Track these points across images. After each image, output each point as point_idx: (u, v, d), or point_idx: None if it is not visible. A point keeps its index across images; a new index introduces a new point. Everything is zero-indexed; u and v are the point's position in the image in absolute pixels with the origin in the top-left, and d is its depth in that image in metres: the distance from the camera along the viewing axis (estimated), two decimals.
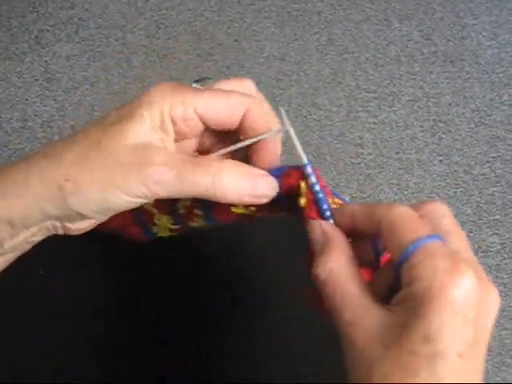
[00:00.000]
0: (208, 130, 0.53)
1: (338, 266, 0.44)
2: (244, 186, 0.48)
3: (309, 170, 0.50)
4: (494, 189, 1.56)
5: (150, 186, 0.47)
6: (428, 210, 0.46)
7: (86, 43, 1.71)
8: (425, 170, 1.57)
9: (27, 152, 1.54)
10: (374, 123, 1.63)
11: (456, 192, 1.55)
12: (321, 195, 0.50)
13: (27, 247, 0.53)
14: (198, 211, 0.54)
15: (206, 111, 0.51)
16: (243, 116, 0.52)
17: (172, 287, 0.70)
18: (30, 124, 1.60)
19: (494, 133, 1.64)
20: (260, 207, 0.51)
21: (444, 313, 0.39)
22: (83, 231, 0.53)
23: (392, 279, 0.44)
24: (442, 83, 1.70)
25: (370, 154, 1.58)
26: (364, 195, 1.52)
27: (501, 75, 1.73)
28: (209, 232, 0.60)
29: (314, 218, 0.49)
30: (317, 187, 0.50)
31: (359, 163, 1.57)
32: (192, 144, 0.55)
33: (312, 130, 1.60)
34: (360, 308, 0.42)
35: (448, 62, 1.73)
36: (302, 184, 0.50)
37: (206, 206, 0.53)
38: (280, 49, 1.72)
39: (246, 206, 0.51)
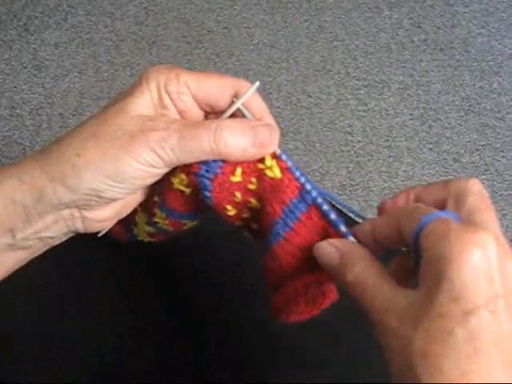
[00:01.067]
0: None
1: (364, 268, 0.45)
2: (246, 137, 0.49)
3: None
4: (484, 177, 1.57)
5: (158, 151, 0.48)
6: (455, 188, 0.47)
7: (74, 30, 1.70)
8: (414, 158, 1.57)
9: (15, 139, 1.53)
10: (364, 111, 1.63)
11: (445, 180, 1.54)
12: (291, 162, 0.50)
13: (41, 247, 0.54)
14: (155, 198, 0.54)
15: (199, 89, 0.52)
16: (233, 99, 0.53)
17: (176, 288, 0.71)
18: (18, 111, 1.59)
19: (483, 121, 1.64)
20: (194, 184, 0.51)
21: (465, 271, 0.39)
22: (103, 226, 0.54)
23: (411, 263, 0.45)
24: (432, 71, 1.70)
25: (359, 141, 1.58)
26: (353, 183, 1.52)
27: (491, 63, 1.73)
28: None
29: (293, 188, 0.49)
30: (284, 156, 0.50)
31: (349, 151, 1.57)
32: None
33: (301, 117, 1.59)
34: (390, 296, 0.43)
35: (438, 50, 1.73)
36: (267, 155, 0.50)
37: (160, 188, 0.53)
38: (270, 36, 1.71)
39: (184, 184, 0.51)
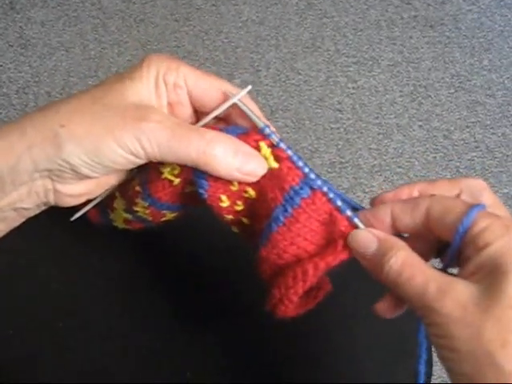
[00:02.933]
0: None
1: (408, 254, 0.45)
2: (237, 160, 0.48)
3: (267, 130, 0.50)
4: (474, 154, 1.56)
5: (143, 142, 0.47)
6: (468, 185, 0.48)
7: (61, 8, 1.69)
8: (404, 135, 1.57)
9: (2, 118, 1.52)
10: (354, 88, 1.62)
11: (435, 157, 1.54)
12: (291, 151, 0.49)
13: (17, 219, 0.53)
14: (138, 187, 0.53)
15: (196, 85, 0.52)
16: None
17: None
18: (4, 90, 1.57)
19: (473, 98, 1.63)
20: (186, 175, 0.50)
21: None
22: (74, 201, 0.53)
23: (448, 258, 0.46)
24: (422, 48, 1.69)
25: (349, 118, 1.57)
26: (343, 160, 1.51)
27: (481, 40, 1.72)
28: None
29: (294, 175, 0.49)
30: (283, 145, 0.50)
31: (338, 128, 1.56)
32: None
33: (291, 94, 1.58)
34: (445, 280, 0.43)
35: (428, 27, 1.72)
36: (262, 144, 0.49)
37: (143, 178, 0.53)
38: (258, 13, 1.70)
39: (175, 174, 0.50)
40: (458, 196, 0.48)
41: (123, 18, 1.67)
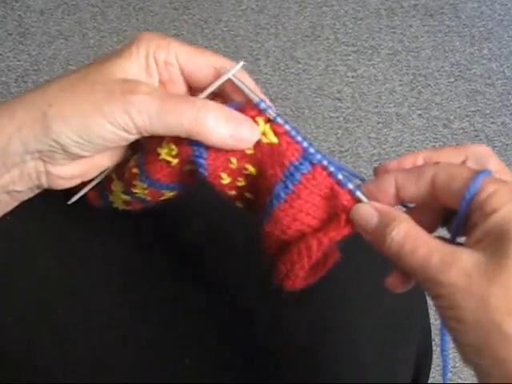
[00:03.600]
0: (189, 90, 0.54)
1: (410, 226, 0.44)
2: (228, 127, 0.48)
3: (263, 105, 0.49)
4: (473, 143, 1.56)
5: (133, 115, 0.47)
6: (473, 152, 0.48)
7: None
8: (404, 124, 1.57)
9: None
10: (353, 77, 1.62)
11: (435, 146, 1.55)
12: (289, 126, 0.49)
13: (10, 202, 0.53)
14: (135, 170, 0.53)
15: (188, 62, 0.51)
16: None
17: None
18: (3, 79, 1.57)
19: (473, 87, 1.63)
20: (183, 155, 0.50)
21: None
22: (67, 184, 0.53)
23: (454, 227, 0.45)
24: (422, 37, 1.69)
25: (348, 107, 1.57)
26: (342, 149, 1.51)
27: (481, 29, 1.71)
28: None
29: (293, 150, 0.48)
30: (280, 119, 0.49)
31: (338, 117, 1.56)
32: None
33: (290, 83, 1.58)
34: (449, 251, 0.42)
35: (428, 16, 1.72)
36: (259, 120, 0.49)
37: (141, 160, 0.53)
38: (258, 2, 1.69)
39: (172, 155, 0.50)
40: (464, 163, 0.48)
41: (122, 7, 1.66)
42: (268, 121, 0.49)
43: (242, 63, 0.51)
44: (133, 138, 0.49)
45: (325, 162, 0.48)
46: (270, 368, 0.65)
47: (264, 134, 0.49)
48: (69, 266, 0.66)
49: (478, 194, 0.42)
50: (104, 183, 0.57)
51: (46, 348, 0.63)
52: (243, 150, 0.49)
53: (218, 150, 0.49)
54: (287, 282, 0.50)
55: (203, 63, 0.51)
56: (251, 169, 0.50)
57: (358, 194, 0.47)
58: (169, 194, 0.55)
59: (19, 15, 1.65)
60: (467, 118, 1.59)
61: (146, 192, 0.54)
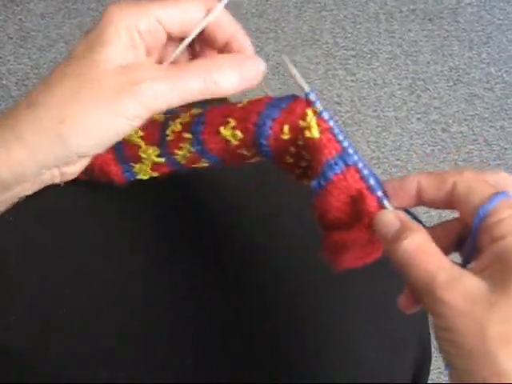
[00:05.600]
0: (170, 39, 0.52)
1: (424, 239, 0.43)
2: (235, 74, 0.49)
3: (312, 97, 0.50)
4: (472, 146, 1.57)
5: (146, 103, 0.47)
6: (493, 179, 0.46)
7: (60, 0, 1.69)
8: (402, 128, 1.57)
9: (1, 110, 1.52)
10: (352, 81, 1.62)
11: (433, 150, 1.55)
12: (332, 122, 0.49)
13: (14, 200, 0.52)
14: (187, 134, 0.53)
15: (170, 19, 0.50)
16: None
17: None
18: (4, 82, 1.58)
19: (472, 91, 1.64)
20: (247, 142, 0.51)
21: None
22: (77, 174, 0.53)
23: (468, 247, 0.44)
24: (421, 41, 1.69)
25: (347, 111, 1.58)
26: None
27: (480, 33, 1.72)
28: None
29: (331, 148, 0.48)
30: (326, 114, 0.49)
31: (337, 121, 1.55)
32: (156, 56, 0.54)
33: (290, 87, 1.59)
34: (457, 272, 0.41)
35: (427, 20, 1.72)
36: (309, 112, 0.49)
37: (198, 128, 0.53)
38: (258, 6, 1.70)
39: (236, 138, 0.51)
40: None
41: None
42: (315, 113, 0.49)
43: (225, 1, 0.52)
44: (147, 118, 0.49)
45: (360, 165, 0.48)
46: (273, 369, 0.65)
47: (309, 128, 0.48)
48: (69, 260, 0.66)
49: (490, 215, 0.42)
50: (125, 152, 0.57)
51: (49, 347, 0.63)
52: (296, 141, 0.50)
53: (276, 140, 0.49)
54: (334, 261, 0.50)
55: (183, 12, 0.50)
56: (307, 155, 0.50)
57: (386, 203, 0.47)
58: (204, 163, 0.56)
59: (20, 19, 1.66)
60: (466, 122, 1.59)
61: (188, 156, 0.55)
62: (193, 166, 0.56)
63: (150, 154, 0.56)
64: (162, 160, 0.57)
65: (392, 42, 1.68)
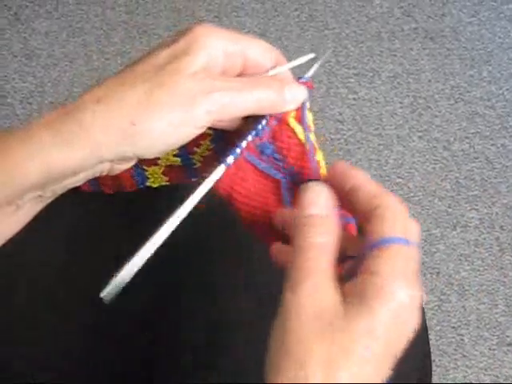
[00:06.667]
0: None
1: (327, 240, 0.45)
2: (301, 92, 0.51)
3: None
4: (473, 164, 1.57)
5: (214, 115, 0.47)
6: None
7: (65, 19, 1.70)
8: (404, 146, 1.58)
9: (6, 128, 1.53)
10: (354, 99, 1.63)
11: (435, 168, 1.56)
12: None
13: (67, 189, 0.51)
14: (208, 130, 0.53)
15: (251, 53, 0.51)
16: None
17: None
18: (9, 100, 1.59)
19: (473, 109, 1.64)
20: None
21: (388, 314, 0.41)
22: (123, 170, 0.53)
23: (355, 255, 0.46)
24: (423, 60, 1.70)
25: (349, 129, 1.59)
26: None
27: (481, 52, 1.73)
28: None
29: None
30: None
31: (339, 139, 1.57)
32: None
33: None
34: (319, 275, 0.43)
35: (428, 39, 1.73)
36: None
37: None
38: (260, 25, 1.71)
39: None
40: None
41: (126, 30, 1.68)
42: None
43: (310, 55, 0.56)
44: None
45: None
46: None
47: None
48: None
49: (381, 249, 0.43)
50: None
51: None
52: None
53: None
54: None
55: (259, 52, 0.52)
56: None
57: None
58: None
59: (24, 37, 1.67)
60: (467, 140, 1.60)
61: (206, 155, 0.56)
62: (204, 174, 0.57)
63: (169, 153, 0.57)
64: (178, 160, 0.57)
65: (394, 61, 1.69)
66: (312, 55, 0.55)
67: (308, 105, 0.52)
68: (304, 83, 0.52)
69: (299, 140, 0.52)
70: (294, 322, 0.41)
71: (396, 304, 0.41)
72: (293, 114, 0.51)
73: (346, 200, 0.48)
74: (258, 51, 0.51)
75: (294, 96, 0.50)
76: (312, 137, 0.52)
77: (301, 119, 0.51)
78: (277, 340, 0.41)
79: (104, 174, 0.51)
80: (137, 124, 0.45)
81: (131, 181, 0.60)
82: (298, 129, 0.52)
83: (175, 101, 0.46)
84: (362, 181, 0.47)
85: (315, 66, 0.54)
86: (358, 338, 0.40)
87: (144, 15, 1.70)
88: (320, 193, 0.48)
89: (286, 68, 0.53)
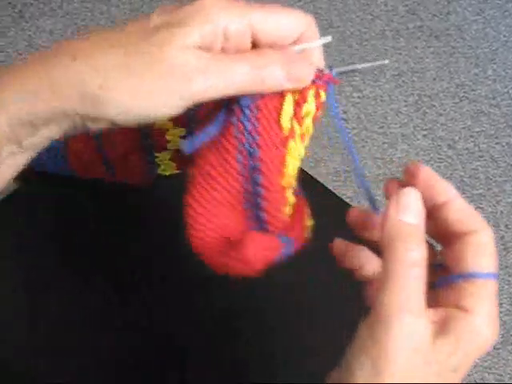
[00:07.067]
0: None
1: (421, 256, 0.42)
2: (283, 73, 0.45)
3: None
4: (478, 163, 1.57)
5: (195, 96, 0.43)
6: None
7: (70, 17, 1.70)
8: (409, 145, 1.58)
9: None
10: (359, 97, 1.63)
11: (440, 166, 1.55)
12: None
13: (47, 143, 0.48)
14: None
15: (263, 27, 0.46)
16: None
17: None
18: None
19: (478, 107, 1.64)
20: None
21: (476, 353, 0.42)
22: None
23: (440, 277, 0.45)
24: (427, 58, 1.70)
25: (354, 128, 1.59)
26: (348, 169, 1.52)
27: (486, 50, 1.73)
28: None
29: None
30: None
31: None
32: None
33: None
34: (415, 309, 0.41)
35: (433, 37, 1.73)
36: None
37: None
38: None
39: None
40: None
41: None
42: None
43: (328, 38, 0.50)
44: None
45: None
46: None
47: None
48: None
49: (472, 282, 0.42)
50: (151, 138, 0.57)
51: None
52: None
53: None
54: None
55: (279, 25, 0.46)
56: None
57: None
58: None
59: (29, 35, 1.67)
60: (472, 139, 1.60)
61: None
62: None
63: (177, 133, 0.56)
64: (187, 143, 0.56)
65: (398, 59, 1.69)
66: (329, 38, 0.51)
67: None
68: (324, 75, 0.49)
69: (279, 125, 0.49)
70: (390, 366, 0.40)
71: (484, 344, 0.42)
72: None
73: (427, 213, 0.45)
74: (276, 26, 0.46)
75: (274, 75, 0.45)
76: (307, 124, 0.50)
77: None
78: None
79: (78, 129, 0.46)
80: (103, 89, 0.42)
81: (143, 168, 0.60)
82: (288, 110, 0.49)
83: (151, 77, 0.43)
84: (454, 196, 0.45)
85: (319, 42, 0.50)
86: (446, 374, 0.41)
87: (149, 13, 1.70)
88: (416, 200, 0.44)
89: (303, 47, 0.48)
